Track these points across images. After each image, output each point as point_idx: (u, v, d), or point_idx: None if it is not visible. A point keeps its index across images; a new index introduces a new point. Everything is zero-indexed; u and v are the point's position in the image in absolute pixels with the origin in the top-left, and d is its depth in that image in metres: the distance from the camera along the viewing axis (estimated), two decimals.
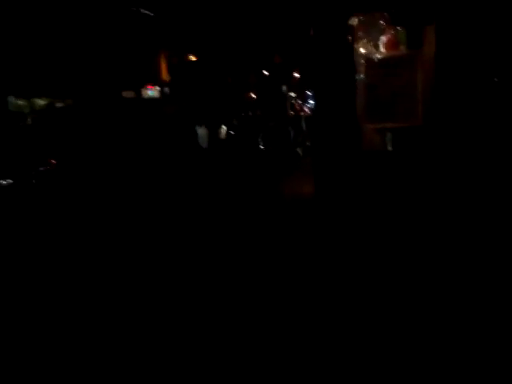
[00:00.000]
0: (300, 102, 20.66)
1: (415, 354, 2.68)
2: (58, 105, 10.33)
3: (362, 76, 3.92)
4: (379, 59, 4.23)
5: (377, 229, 4.24)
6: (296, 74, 23.40)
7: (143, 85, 18.24)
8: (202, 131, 10.07)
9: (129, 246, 4.84)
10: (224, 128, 12.56)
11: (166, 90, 18.71)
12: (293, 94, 21.51)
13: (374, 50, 4.58)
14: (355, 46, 4.58)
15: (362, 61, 4.06)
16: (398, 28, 5.77)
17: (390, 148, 4.41)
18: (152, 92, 18.60)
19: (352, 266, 3.91)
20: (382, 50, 6.09)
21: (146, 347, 2.92)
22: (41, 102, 10.72)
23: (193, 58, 20.98)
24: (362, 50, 4.49)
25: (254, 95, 19.58)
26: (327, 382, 2.54)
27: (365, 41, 5.02)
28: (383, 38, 5.87)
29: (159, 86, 19.30)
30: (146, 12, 16.18)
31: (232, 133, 12.88)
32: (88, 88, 11.70)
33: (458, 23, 4.59)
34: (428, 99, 3.99)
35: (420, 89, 3.75)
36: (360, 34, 5.95)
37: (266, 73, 22.21)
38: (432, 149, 3.95)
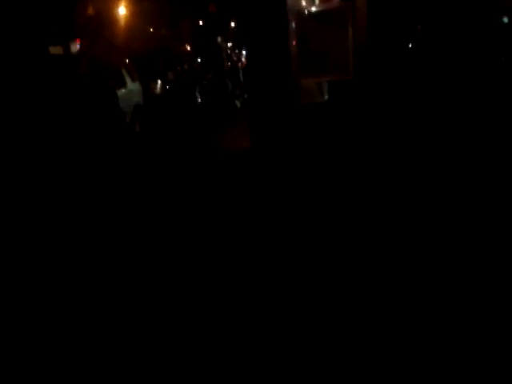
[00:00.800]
0: (237, 53, 20.28)
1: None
2: None
3: (294, 29, 3.87)
4: (311, 12, 4.18)
5: (314, 176, 4.33)
6: (232, 24, 22.81)
7: (72, 39, 17.23)
8: (135, 86, 9.69)
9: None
10: (159, 82, 12.15)
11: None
12: (230, 45, 21.04)
13: (306, 2, 4.51)
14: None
15: (295, 14, 4.00)
16: None
17: (325, 99, 4.45)
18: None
19: (289, 216, 3.99)
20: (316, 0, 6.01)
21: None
22: None
23: (122, 7, 19.96)
24: (295, 2, 4.41)
25: (188, 47, 18.99)
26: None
27: None
28: None
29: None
30: None
31: (167, 87, 12.50)
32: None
33: None
34: (359, 53, 4.03)
35: (351, 43, 3.76)
36: None
37: (200, 23, 21.50)
38: (362, 100, 4.03)
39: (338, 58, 3.75)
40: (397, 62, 4.00)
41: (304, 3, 4.32)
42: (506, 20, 4.99)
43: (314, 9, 4.16)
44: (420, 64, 3.96)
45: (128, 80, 9.35)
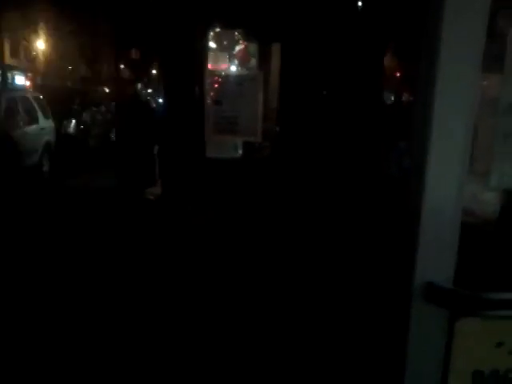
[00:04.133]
0: (156, 99, 20.43)
1: None
2: None
3: (210, 89, 4.11)
4: (228, 75, 4.46)
5: (219, 228, 4.45)
6: (154, 71, 23.08)
7: None
8: (47, 123, 9.43)
9: None
10: (73, 121, 11.90)
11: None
12: (149, 91, 21.16)
13: (224, 64, 4.79)
14: (207, 58, 4.77)
15: (213, 75, 4.25)
16: (250, 43, 6.12)
17: (236, 155, 4.68)
18: None
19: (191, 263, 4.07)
20: (236, 60, 6.38)
21: None
22: None
23: (41, 41, 19.52)
24: (212, 65, 4.68)
25: (107, 89, 18.88)
26: None
27: (218, 52, 5.21)
28: (237, 50, 6.17)
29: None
30: None
31: (82, 127, 12.26)
32: None
33: (300, 43, 5.04)
34: (268, 117, 4.35)
35: (261, 108, 4.05)
36: (214, 44, 6.15)
37: (121, 66, 21.55)
38: (269, 159, 4.32)
39: (249, 121, 4.02)
40: (303, 127, 4.34)
41: (222, 66, 4.59)
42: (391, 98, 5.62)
43: (230, 73, 4.44)
44: (323, 129, 4.32)
45: (40, 116, 9.10)
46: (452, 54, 1.13)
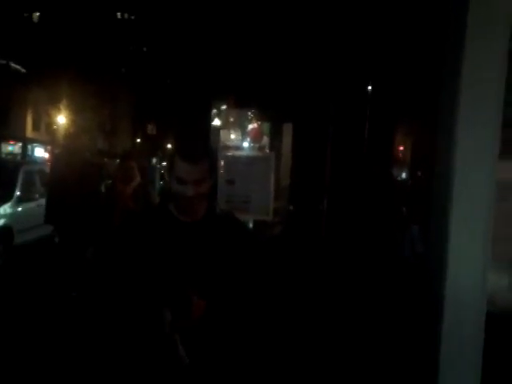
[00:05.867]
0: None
1: None
2: None
3: (223, 169, 4.19)
4: (240, 156, 4.56)
5: None
6: (169, 146, 23.70)
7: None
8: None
9: None
10: None
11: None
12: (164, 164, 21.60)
13: (238, 141, 4.92)
14: (220, 135, 4.89)
15: (225, 155, 4.34)
16: (263, 121, 6.30)
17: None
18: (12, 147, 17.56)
19: None
20: (249, 138, 6.54)
21: None
22: None
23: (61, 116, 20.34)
24: (226, 143, 4.80)
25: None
26: None
27: (234, 131, 5.37)
28: (250, 128, 6.36)
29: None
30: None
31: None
32: None
33: (311, 123, 5.17)
34: (280, 195, 4.39)
35: (273, 188, 4.09)
36: (227, 122, 6.34)
37: (138, 140, 22.19)
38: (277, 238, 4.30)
39: (261, 200, 4.05)
40: (315, 205, 4.33)
41: (234, 147, 4.71)
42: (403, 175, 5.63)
43: (242, 153, 4.55)
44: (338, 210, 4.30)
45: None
46: (470, 136, 1.13)
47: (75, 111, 20.57)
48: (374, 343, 3.38)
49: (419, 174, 4.97)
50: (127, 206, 5.03)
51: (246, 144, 6.54)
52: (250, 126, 6.44)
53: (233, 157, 4.32)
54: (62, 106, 20.77)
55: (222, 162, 4.18)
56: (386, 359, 3.17)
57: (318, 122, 4.78)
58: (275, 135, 6.51)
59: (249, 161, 4.25)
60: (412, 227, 4.39)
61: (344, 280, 3.85)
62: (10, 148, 17.68)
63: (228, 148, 5.43)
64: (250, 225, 4.87)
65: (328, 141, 4.87)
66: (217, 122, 5.54)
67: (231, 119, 6.64)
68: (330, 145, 4.83)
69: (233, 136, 6.71)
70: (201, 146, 1.71)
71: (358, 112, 4.83)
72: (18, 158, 16.63)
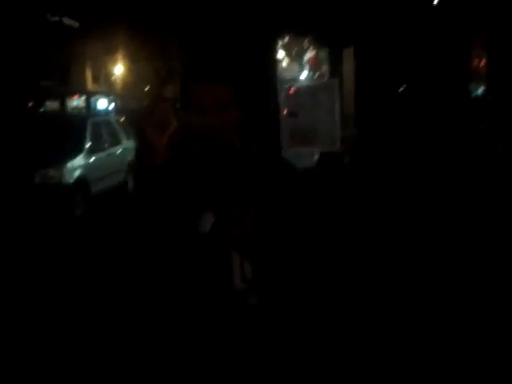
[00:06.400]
0: None
1: None
2: None
3: (285, 102, 4.06)
4: (302, 86, 4.41)
5: None
6: None
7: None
8: (129, 144, 9.88)
9: None
10: None
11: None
12: None
13: (297, 74, 4.75)
14: (279, 69, 4.74)
15: (286, 87, 4.20)
16: (321, 48, 6.03)
17: (312, 165, 4.60)
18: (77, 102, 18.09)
19: None
20: (306, 68, 6.31)
21: None
22: None
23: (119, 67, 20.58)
24: (286, 76, 4.65)
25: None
26: None
27: (289, 62, 5.20)
28: (307, 57, 6.12)
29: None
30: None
31: None
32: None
33: (373, 45, 4.86)
34: (344, 123, 4.23)
35: (338, 116, 3.93)
36: (285, 54, 6.13)
37: None
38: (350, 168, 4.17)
39: (327, 131, 3.92)
40: (384, 129, 4.16)
41: (293, 79, 4.56)
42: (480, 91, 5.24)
43: (303, 82, 4.39)
44: (405, 131, 4.11)
45: (123, 137, 9.51)
46: None
47: (131, 61, 20.75)
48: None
49: (498, 89, 4.61)
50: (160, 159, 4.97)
51: (304, 74, 6.33)
52: (308, 55, 6.19)
53: (293, 88, 4.18)
54: (118, 57, 21.01)
55: (283, 96, 4.06)
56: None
57: (383, 42, 4.48)
58: (334, 62, 6.23)
59: (311, 90, 4.09)
60: (495, 145, 4.12)
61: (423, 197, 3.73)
62: (74, 103, 18.28)
63: (287, 81, 5.28)
64: (316, 157, 4.77)
65: (395, 60, 4.59)
66: (275, 55, 5.36)
67: (287, 51, 6.42)
68: (397, 64, 4.56)
69: (291, 67, 6.51)
70: (222, 63, 1.52)
71: (428, 25, 4.49)
72: (84, 111, 17.17)
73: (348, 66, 6.02)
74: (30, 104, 16.06)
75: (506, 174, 4.05)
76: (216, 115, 1.30)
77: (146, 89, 23.15)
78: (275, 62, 5.32)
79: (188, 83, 1.35)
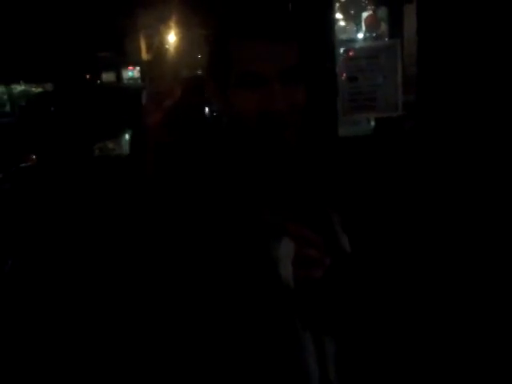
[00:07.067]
0: None
1: None
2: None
3: (343, 65, 3.88)
4: (360, 48, 4.18)
5: None
6: None
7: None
8: None
9: None
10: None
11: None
12: None
13: (354, 35, 4.52)
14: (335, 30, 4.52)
15: (344, 50, 4.00)
16: (379, 6, 5.71)
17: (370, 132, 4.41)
18: (132, 73, 18.35)
19: None
20: (364, 28, 6.00)
21: None
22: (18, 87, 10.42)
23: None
24: (343, 37, 4.43)
25: None
26: None
27: (345, 24, 4.95)
28: (364, 16, 5.81)
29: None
30: None
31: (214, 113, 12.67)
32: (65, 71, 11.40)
33: (438, 1, 4.53)
34: (408, 87, 3.99)
35: (400, 79, 3.72)
36: (341, 13, 5.84)
37: None
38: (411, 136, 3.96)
39: (388, 95, 3.72)
40: (448, 94, 3.91)
41: (349, 40, 4.34)
42: None
43: (362, 44, 4.17)
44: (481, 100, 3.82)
45: None
46: None
47: (184, 28, 20.76)
48: None
49: None
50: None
51: (361, 35, 6.02)
52: (365, 14, 5.87)
53: (352, 50, 3.98)
54: (170, 25, 21.08)
55: (341, 59, 3.88)
56: None
57: None
58: (394, 21, 5.88)
59: (371, 53, 3.88)
60: None
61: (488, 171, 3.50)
62: (129, 73, 18.55)
63: (344, 42, 5.03)
64: (373, 123, 4.56)
65: (460, 18, 4.26)
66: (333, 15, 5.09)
67: (344, 11, 6.12)
68: (463, 23, 4.23)
69: (348, 28, 6.21)
70: (284, 13, 0.88)
71: None
72: (139, 81, 17.40)
73: (409, 26, 5.66)
74: (88, 76, 16.44)
75: None
76: (281, 89, 0.84)
77: (199, 56, 23.23)
78: (334, 22, 5.06)
79: (230, 42, 0.87)
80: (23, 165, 5.67)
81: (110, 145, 6.53)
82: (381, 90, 3.71)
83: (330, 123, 3.74)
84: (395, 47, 3.71)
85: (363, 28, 6.03)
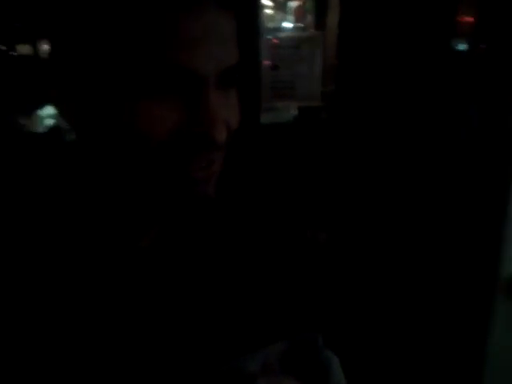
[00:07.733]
0: None
1: None
2: None
3: (266, 54, 3.95)
4: (283, 38, 4.26)
5: None
6: None
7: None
8: None
9: None
10: None
11: None
12: None
13: (280, 24, 4.59)
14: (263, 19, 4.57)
15: (267, 40, 4.07)
16: None
17: (290, 119, 4.53)
18: None
19: None
20: (291, 17, 6.10)
21: None
22: None
23: None
24: (267, 25, 4.48)
25: None
26: None
27: (273, 10, 5.00)
28: (291, 6, 5.90)
29: None
30: None
31: None
32: None
33: None
34: (325, 76, 4.12)
35: (321, 70, 3.85)
36: (269, 1, 5.89)
37: None
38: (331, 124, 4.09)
39: (308, 85, 3.84)
40: (365, 85, 4.08)
41: (275, 29, 4.41)
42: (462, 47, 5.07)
43: (287, 34, 4.25)
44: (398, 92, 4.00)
45: None
46: None
47: None
48: None
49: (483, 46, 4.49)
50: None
51: (287, 24, 6.12)
52: (293, 4, 5.96)
53: (276, 39, 4.06)
54: None
55: (265, 46, 3.94)
56: None
57: None
58: (320, 12, 6.02)
59: (294, 43, 3.98)
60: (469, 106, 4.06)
61: (395, 159, 3.69)
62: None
63: (269, 30, 5.10)
64: (295, 112, 4.69)
65: (379, 12, 4.44)
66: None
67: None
68: (381, 17, 4.41)
69: (274, 16, 6.28)
70: None
71: None
72: None
73: (332, 18, 5.83)
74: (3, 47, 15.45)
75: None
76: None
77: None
78: (260, 8, 5.10)
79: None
80: None
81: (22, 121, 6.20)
82: (301, 79, 3.83)
83: (252, 110, 3.81)
84: (317, 39, 3.83)
85: (290, 18, 6.13)
